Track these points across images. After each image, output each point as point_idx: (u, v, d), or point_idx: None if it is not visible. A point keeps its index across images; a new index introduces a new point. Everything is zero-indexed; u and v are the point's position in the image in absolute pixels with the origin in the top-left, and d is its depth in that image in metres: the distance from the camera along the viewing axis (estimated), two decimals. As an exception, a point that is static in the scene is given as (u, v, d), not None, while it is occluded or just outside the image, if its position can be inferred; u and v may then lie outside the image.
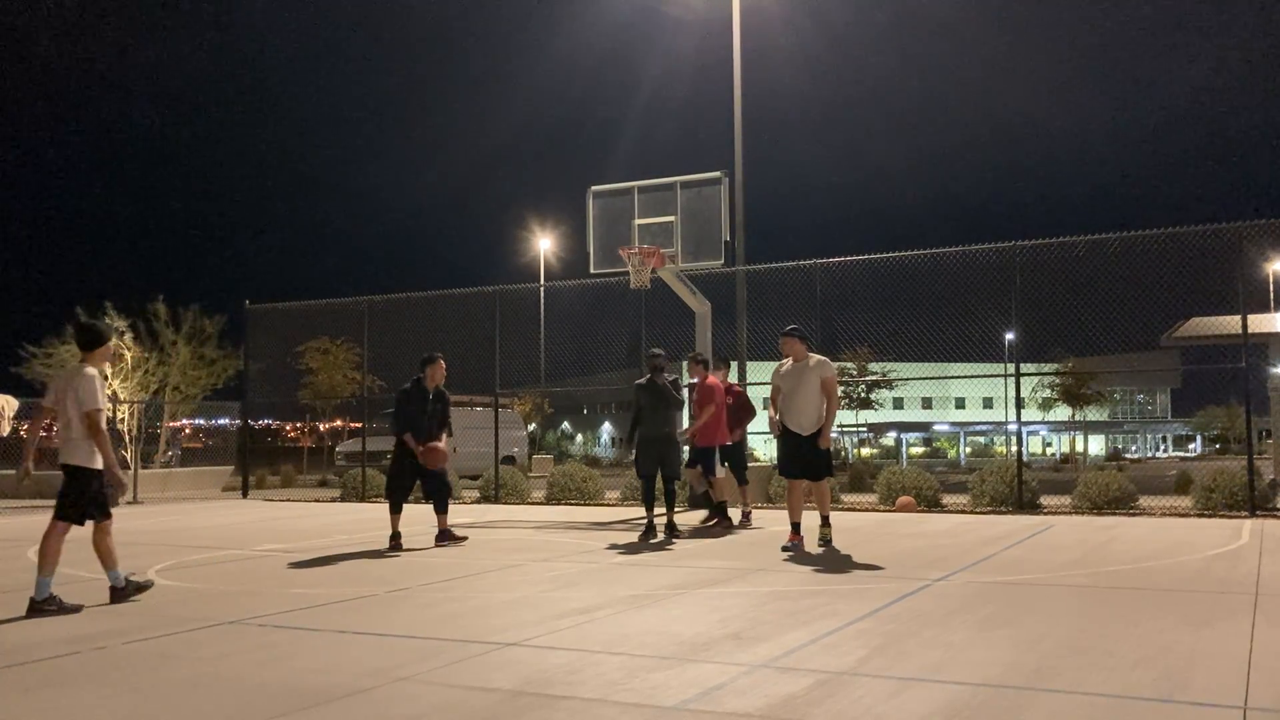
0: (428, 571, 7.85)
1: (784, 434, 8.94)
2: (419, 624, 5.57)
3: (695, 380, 11.61)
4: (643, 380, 10.39)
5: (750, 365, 19.70)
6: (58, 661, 4.73)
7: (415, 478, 9.99)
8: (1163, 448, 70.51)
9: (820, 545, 8.88)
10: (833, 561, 8.19)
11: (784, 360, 9.04)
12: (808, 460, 8.84)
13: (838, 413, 9.05)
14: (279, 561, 8.63)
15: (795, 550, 8.64)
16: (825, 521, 9.06)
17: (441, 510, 9.94)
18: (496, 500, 16.76)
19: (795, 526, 8.91)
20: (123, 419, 21.76)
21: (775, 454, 9.47)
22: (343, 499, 18.15)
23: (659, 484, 10.25)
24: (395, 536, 9.58)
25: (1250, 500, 12.45)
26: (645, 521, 10.22)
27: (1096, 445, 61.73)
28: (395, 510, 9.76)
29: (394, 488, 9.93)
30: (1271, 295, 24.34)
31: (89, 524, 6.49)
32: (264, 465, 24.60)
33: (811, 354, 8.98)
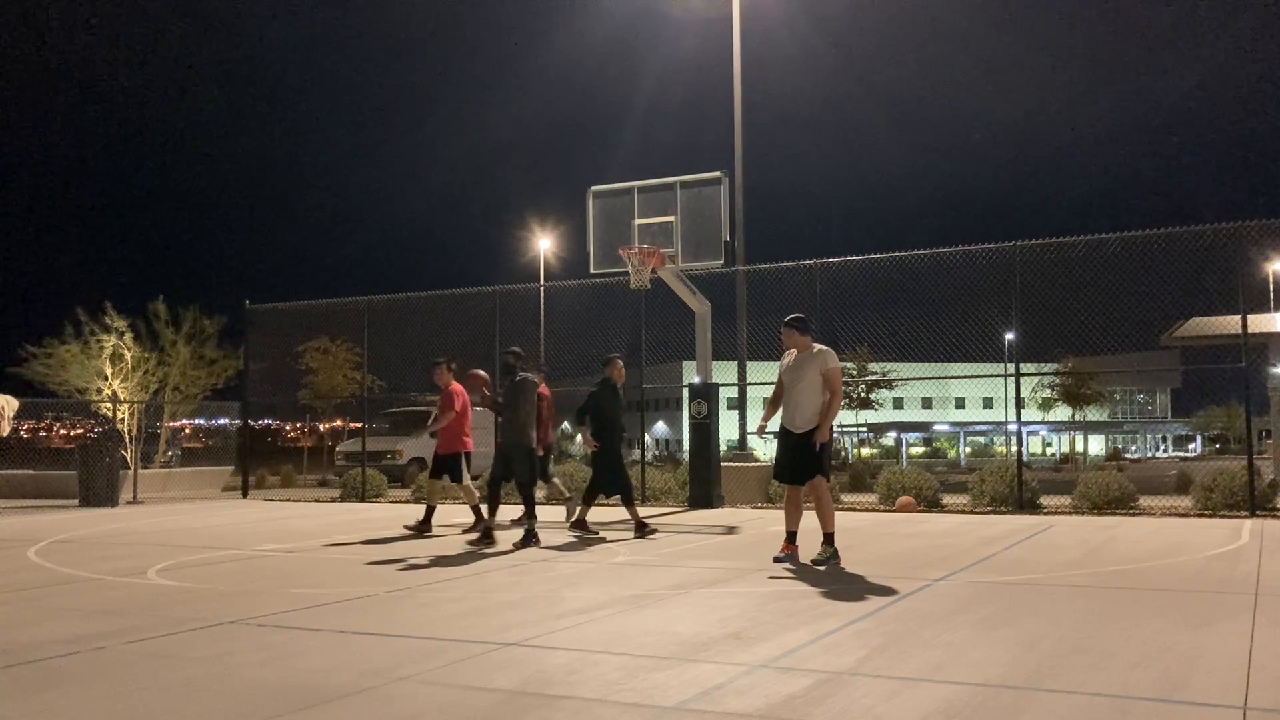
0: (428, 571, 7.86)
1: (780, 433, 8.24)
2: (419, 624, 5.57)
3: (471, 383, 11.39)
4: (503, 382, 10.07)
5: (750, 365, 19.72)
6: (58, 661, 4.73)
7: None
8: (1163, 448, 70.46)
9: (815, 564, 7.80)
10: (833, 561, 8.19)
11: (788, 352, 8.32)
12: (799, 460, 8.00)
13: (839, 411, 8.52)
14: (279, 561, 8.63)
15: (788, 561, 7.90)
16: (827, 539, 7.98)
17: (628, 503, 10.71)
18: (496, 500, 16.75)
19: (790, 536, 8.10)
20: (123, 419, 21.74)
21: (773, 454, 9.05)
22: (343, 499, 18.14)
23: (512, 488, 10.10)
24: (642, 525, 10.47)
25: (1250, 500, 12.45)
26: (486, 527, 9.88)
27: (1096, 445, 61.70)
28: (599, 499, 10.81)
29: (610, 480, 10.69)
30: (1271, 295, 24.33)
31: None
32: (264, 465, 24.57)
33: (816, 344, 8.21)
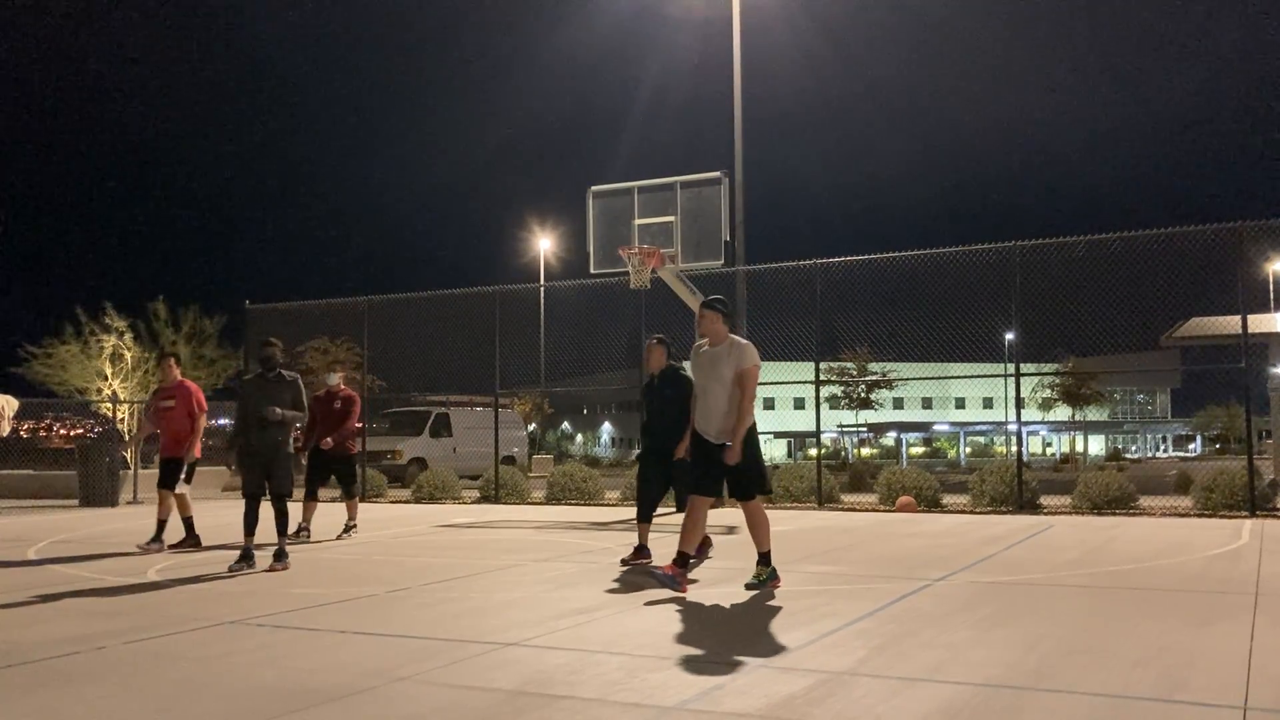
0: (428, 571, 7.85)
1: (694, 438, 6.89)
2: (419, 624, 5.57)
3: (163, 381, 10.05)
4: (251, 376, 8.59)
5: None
6: (58, 661, 4.73)
7: (667, 482, 8.36)
8: (1163, 448, 70.50)
9: (749, 588, 6.67)
10: (832, 561, 8.20)
11: (700, 341, 6.94)
12: (724, 474, 6.64)
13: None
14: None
15: (669, 586, 6.58)
16: (763, 559, 6.77)
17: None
18: (497, 500, 16.77)
19: (680, 558, 6.68)
20: (123, 419, 21.76)
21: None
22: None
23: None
24: (641, 549, 8.22)
25: (1250, 500, 12.46)
26: (243, 548, 8.09)
27: (1096, 445, 61.73)
28: (642, 519, 8.38)
29: (643, 494, 8.48)
30: (1271, 295, 24.35)
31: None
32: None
33: (735, 336, 6.87)
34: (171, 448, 9.85)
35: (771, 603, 6.16)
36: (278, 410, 8.14)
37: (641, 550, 8.25)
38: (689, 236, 14.22)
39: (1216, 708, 3.72)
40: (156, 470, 10.07)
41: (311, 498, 10.81)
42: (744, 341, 6.79)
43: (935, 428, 62.76)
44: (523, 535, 10.99)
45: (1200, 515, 12.51)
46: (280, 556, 8.11)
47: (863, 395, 48.42)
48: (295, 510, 9.11)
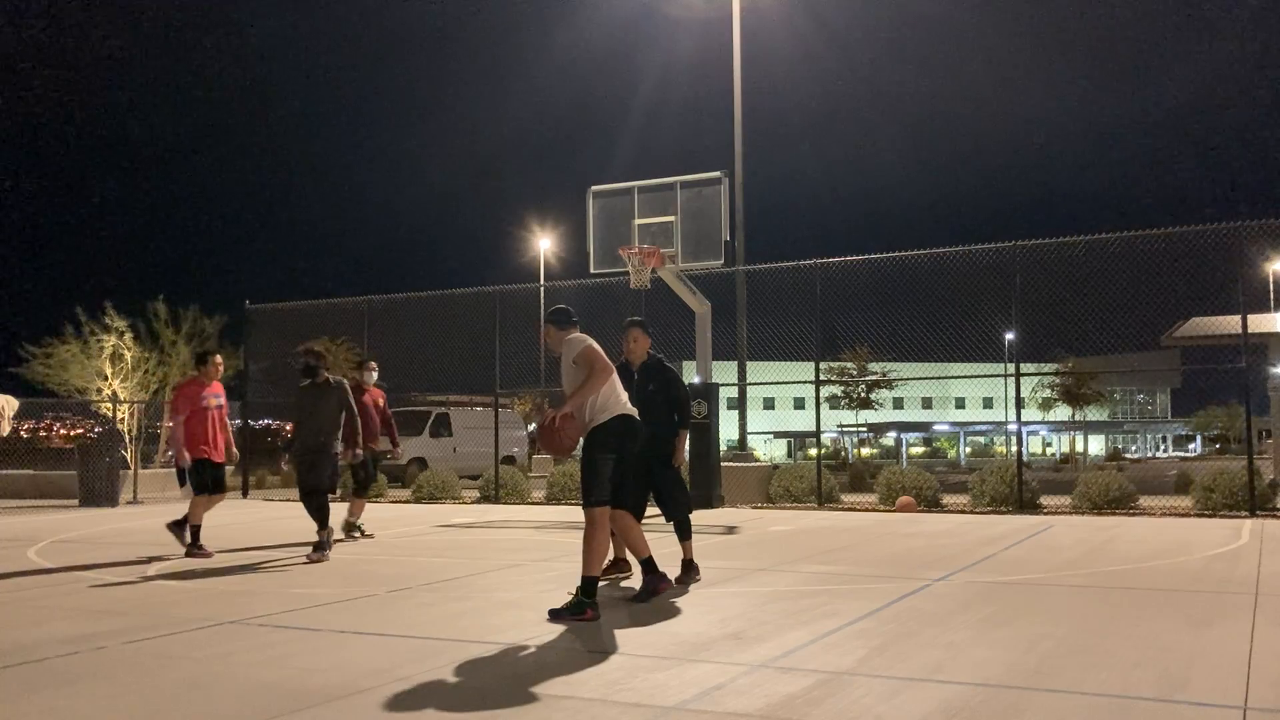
0: (428, 571, 7.86)
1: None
2: (419, 624, 5.57)
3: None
4: (303, 386, 9.07)
5: (750, 365, 19.73)
6: (58, 661, 4.73)
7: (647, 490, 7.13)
8: (1163, 448, 70.55)
9: (553, 614, 5.68)
10: (832, 561, 8.20)
11: None
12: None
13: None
14: (278, 561, 8.63)
15: (651, 592, 6.39)
16: (584, 585, 5.80)
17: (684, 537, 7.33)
18: (497, 500, 16.77)
19: (645, 564, 6.42)
20: (123, 419, 21.75)
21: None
22: (343, 499, 18.14)
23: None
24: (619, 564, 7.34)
25: (1250, 500, 12.46)
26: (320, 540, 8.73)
27: (1096, 445, 61.76)
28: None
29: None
30: (1271, 295, 24.37)
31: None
32: (264, 465, 24.57)
33: (569, 336, 6.20)
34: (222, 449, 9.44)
35: (772, 603, 6.16)
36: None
37: (620, 564, 7.39)
38: (689, 236, 14.23)
39: (1216, 708, 3.73)
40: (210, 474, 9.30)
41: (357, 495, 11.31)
42: (573, 335, 6.15)
43: (935, 428, 62.79)
44: (523, 535, 10.99)
45: (1200, 515, 12.51)
46: (319, 547, 8.71)
47: (863, 395, 48.42)
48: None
